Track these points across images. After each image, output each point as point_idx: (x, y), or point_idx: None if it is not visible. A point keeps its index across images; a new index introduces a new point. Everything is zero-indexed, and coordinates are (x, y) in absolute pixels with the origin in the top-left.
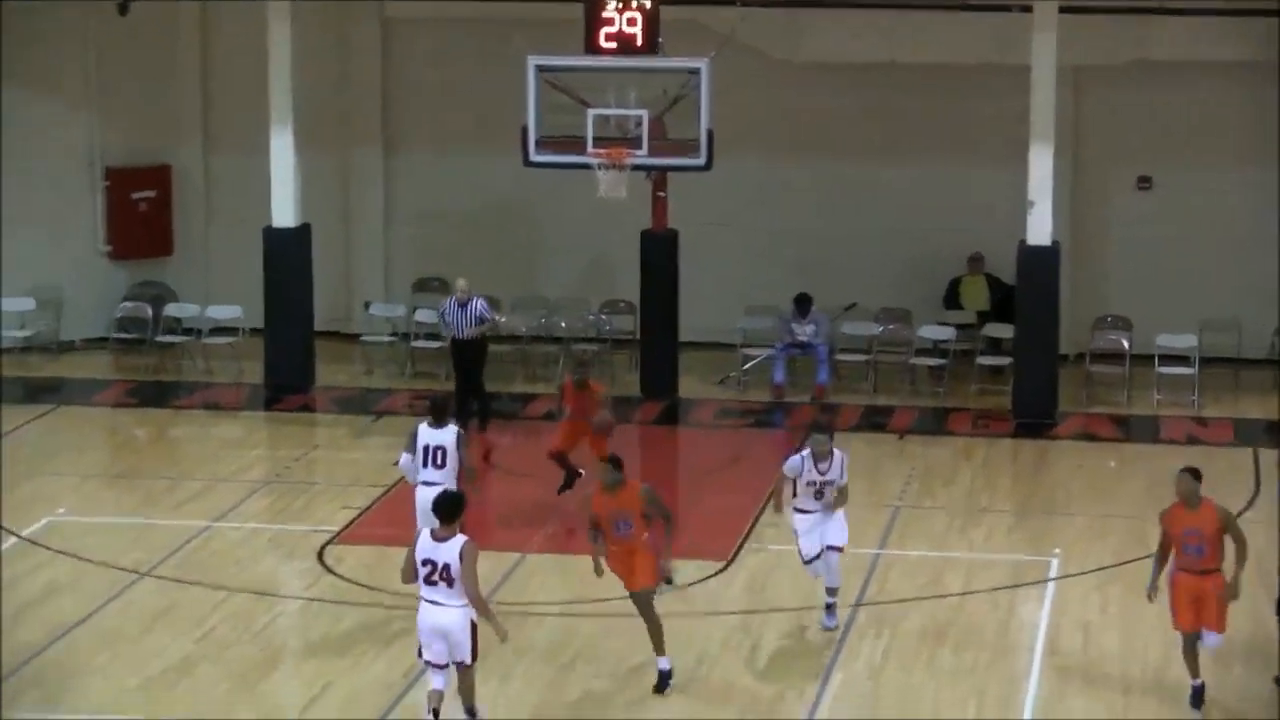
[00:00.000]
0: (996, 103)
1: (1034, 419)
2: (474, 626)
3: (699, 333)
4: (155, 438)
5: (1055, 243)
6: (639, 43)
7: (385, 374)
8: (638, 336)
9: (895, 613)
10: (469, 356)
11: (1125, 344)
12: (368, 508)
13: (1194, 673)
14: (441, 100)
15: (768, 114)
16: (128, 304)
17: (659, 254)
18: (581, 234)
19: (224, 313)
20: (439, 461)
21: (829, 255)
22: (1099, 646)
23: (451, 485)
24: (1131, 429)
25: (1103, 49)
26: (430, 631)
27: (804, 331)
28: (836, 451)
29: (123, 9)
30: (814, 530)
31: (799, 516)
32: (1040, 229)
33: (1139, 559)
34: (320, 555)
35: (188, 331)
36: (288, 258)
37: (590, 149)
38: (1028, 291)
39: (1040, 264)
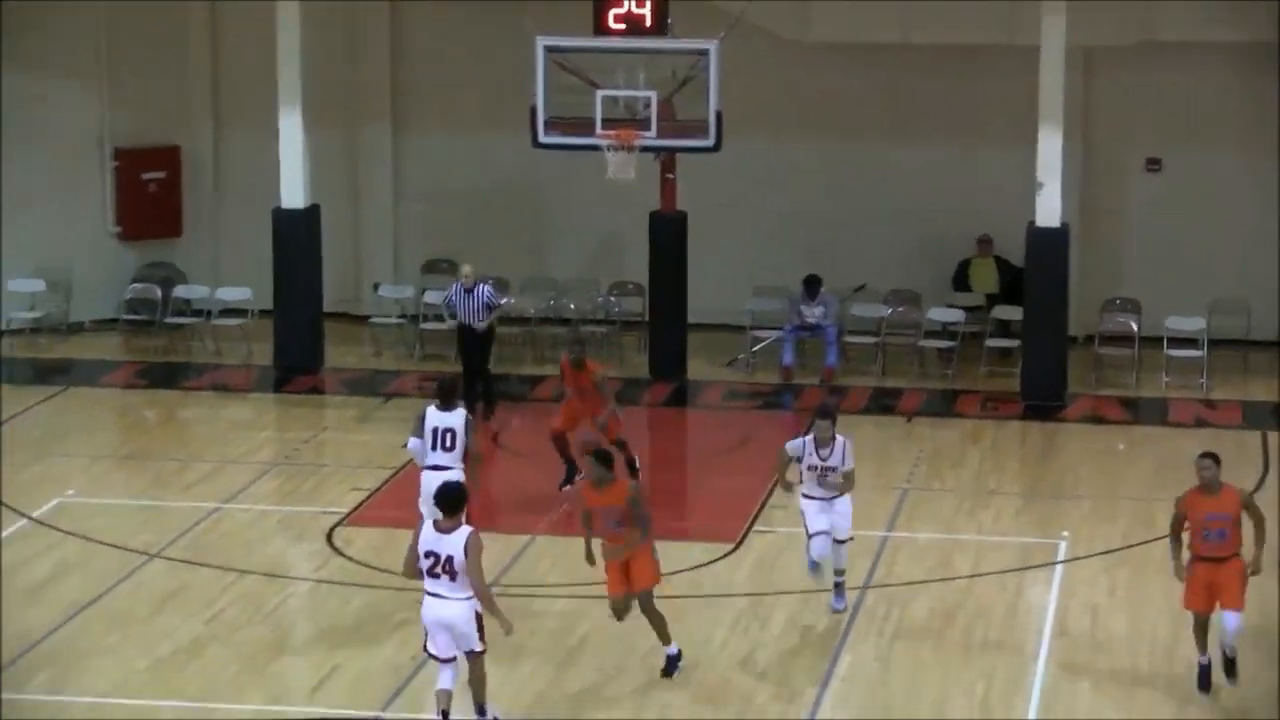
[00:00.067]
0: (1006, 84)
1: (1042, 401)
2: (479, 616)
3: (708, 314)
4: (164, 419)
5: (1064, 225)
6: (648, 23)
7: (394, 355)
8: (646, 318)
9: (904, 595)
10: (475, 342)
11: (1134, 326)
12: (377, 489)
13: (1202, 649)
14: (451, 81)
15: (777, 95)
16: (137, 285)
17: (668, 235)
18: (590, 215)
19: (233, 294)
20: (448, 444)
21: (838, 237)
22: (1107, 628)
23: (460, 468)
24: (1140, 411)
25: (1111, 30)
26: (435, 625)
27: (813, 313)
28: (839, 437)
29: None
30: (820, 515)
31: (806, 502)
32: (1049, 211)
33: (1147, 541)
34: (329, 537)
35: (197, 313)
36: (297, 239)
37: (599, 130)
38: (1037, 273)
39: (1049, 246)
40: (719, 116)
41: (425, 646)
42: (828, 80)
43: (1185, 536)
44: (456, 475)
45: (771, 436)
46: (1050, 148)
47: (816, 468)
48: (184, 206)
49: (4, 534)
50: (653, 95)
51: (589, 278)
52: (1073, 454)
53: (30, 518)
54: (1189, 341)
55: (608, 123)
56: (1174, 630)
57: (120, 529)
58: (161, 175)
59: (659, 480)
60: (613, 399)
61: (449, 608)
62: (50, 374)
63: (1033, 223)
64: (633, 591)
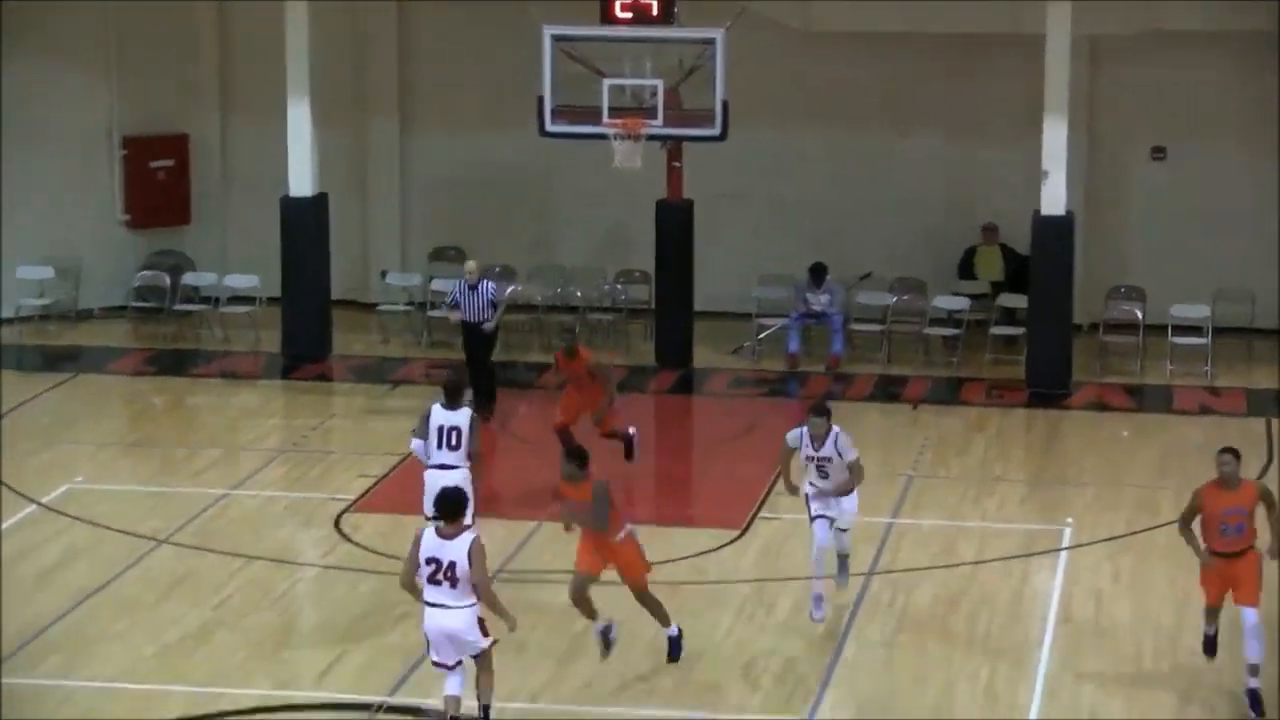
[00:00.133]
0: (1011, 73)
1: (1047, 389)
2: (480, 618)
3: (714, 302)
4: (173, 406)
5: (1069, 213)
6: (654, 13)
7: (401, 343)
8: (653, 306)
9: (908, 581)
10: (480, 338)
11: (1139, 314)
12: (384, 476)
13: (1209, 622)
14: (458, 69)
15: (783, 84)
16: (145, 273)
17: (674, 224)
18: (597, 204)
19: (241, 281)
20: (453, 443)
21: (844, 225)
22: (1111, 615)
23: (465, 466)
24: (1144, 399)
25: (1117, 19)
26: (438, 636)
27: (818, 301)
28: (834, 429)
29: None
30: (821, 501)
31: (809, 488)
32: (1054, 199)
33: (1151, 528)
34: (337, 523)
35: (205, 300)
36: (305, 227)
37: (606, 119)
38: (1042, 262)
39: (1054, 234)
40: (725, 105)
41: (429, 656)
42: (833, 69)
43: (1195, 528)
44: (462, 474)
45: (777, 424)
46: (1055, 137)
47: (812, 458)
48: (192, 194)
49: (14, 520)
50: (659, 84)
51: (595, 266)
52: (1077, 441)
53: (39, 504)
54: (1193, 329)
55: (614, 112)
56: (1177, 617)
57: (128, 515)
58: (170, 163)
59: (665, 467)
60: (613, 385)
61: (451, 618)
62: (59, 361)
63: (1038, 211)
64: (628, 586)
